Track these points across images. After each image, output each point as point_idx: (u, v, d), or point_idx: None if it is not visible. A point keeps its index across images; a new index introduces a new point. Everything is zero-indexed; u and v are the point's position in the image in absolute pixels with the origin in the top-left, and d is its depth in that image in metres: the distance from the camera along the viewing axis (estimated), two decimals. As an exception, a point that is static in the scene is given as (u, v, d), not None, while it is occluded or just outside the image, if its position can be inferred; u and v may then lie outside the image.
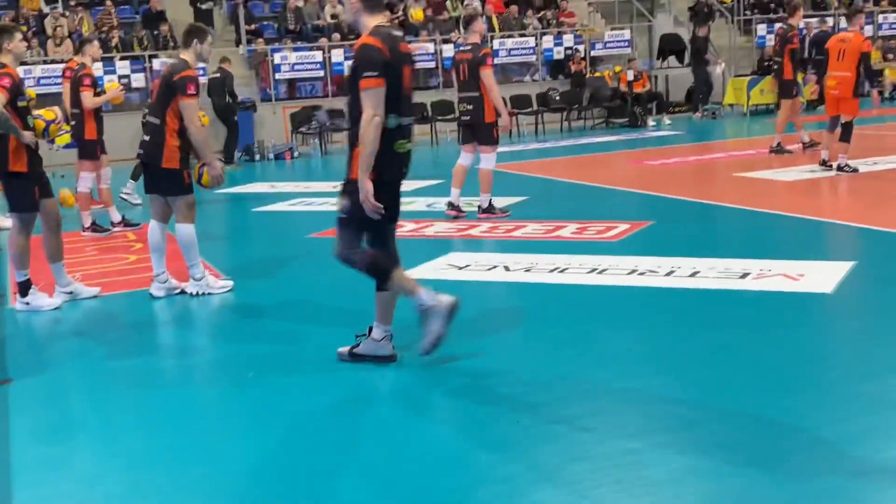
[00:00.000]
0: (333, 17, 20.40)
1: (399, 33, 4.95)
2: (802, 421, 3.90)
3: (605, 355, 4.92)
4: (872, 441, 3.67)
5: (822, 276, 6.13)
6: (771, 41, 21.43)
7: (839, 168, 10.49)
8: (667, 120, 18.65)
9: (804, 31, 19.26)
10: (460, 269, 7.07)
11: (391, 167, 4.73)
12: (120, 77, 17.30)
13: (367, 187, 4.56)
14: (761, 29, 22.12)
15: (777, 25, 21.43)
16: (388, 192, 4.75)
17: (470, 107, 9.06)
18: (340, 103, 17.98)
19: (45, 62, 17.65)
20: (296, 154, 16.49)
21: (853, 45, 10.39)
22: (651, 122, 18.35)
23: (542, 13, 21.56)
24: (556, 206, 9.86)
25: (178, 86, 6.35)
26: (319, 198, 11.29)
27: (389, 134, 4.63)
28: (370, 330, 5.00)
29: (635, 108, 18.47)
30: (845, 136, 10.49)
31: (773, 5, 22.97)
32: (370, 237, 4.85)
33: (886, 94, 18.80)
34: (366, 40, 4.64)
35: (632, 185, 10.84)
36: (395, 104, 4.63)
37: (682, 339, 5.11)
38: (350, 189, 4.68)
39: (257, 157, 16.38)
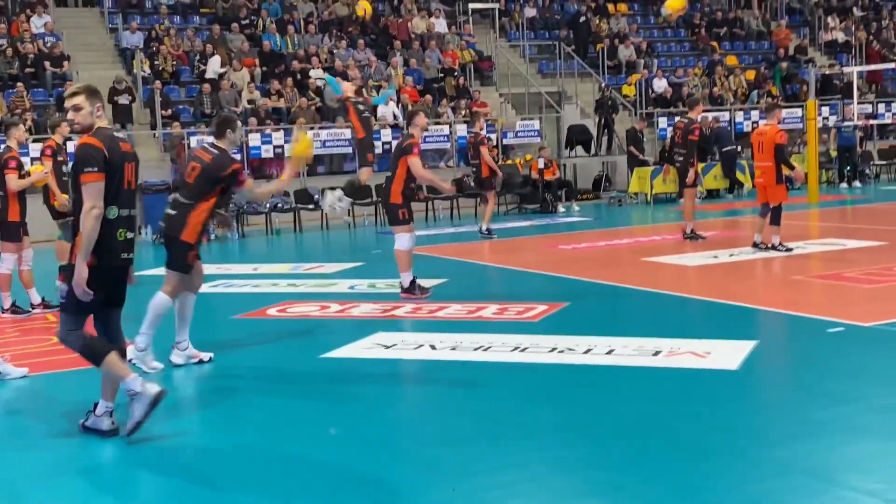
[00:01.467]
0: (250, 102, 20.73)
1: (120, 135, 5.47)
2: (717, 482, 4.26)
3: (532, 427, 5.22)
4: (781, 499, 4.04)
5: (728, 354, 6.57)
6: (671, 133, 22.62)
7: (773, 248, 11.31)
8: (576, 206, 19.34)
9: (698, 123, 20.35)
10: (387, 348, 7.33)
11: (111, 253, 5.17)
12: (33, 159, 17.23)
13: (81, 272, 5.03)
14: (662, 122, 23.21)
15: (677, 119, 22.69)
16: (110, 277, 5.22)
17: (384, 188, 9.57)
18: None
19: (-44, 142, 17.46)
20: (212, 236, 16.56)
21: (769, 137, 11.24)
22: (562, 208, 19.01)
23: (455, 102, 22.27)
24: (476, 288, 10.22)
25: (231, 179, 6.63)
26: (241, 279, 11.43)
27: (110, 223, 5.13)
28: (95, 406, 5.36)
29: (546, 195, 19.13)
30: (775, 219, 11.35)
31: (672, 99, 24.19)
32: (95, 320, 5.31)
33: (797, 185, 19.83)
34: (86, 140, 5.16)
35: (547, 268, 11.28)
36: (116, 197, 5.15)
37: (603, 412, 5.45)
38: (69, 274, 5.13)
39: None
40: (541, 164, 19.18)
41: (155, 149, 19.88)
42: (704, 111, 23.65)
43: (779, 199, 11.33)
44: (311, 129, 20.01)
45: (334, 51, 23.09)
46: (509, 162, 20.72)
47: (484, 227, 14.84)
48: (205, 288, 10.78)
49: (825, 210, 16.93)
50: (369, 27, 24.65)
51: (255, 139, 19.45)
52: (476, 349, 7.13)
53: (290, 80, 21.28)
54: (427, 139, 21.10)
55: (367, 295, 9.88)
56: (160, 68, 21.27)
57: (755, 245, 11.50)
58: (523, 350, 7.04)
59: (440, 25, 25.17)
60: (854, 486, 4.14)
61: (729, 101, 24.94)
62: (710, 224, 15.13)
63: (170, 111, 20.09)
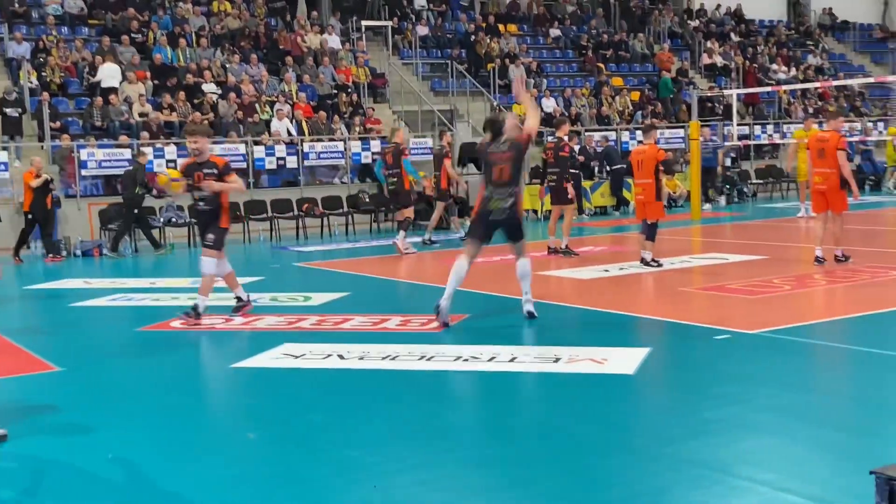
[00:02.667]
0: (142, 115, 20.46)
1: None
2: (620, 477, 4.56)
3: (445, 429, 5.44)
4: (678, 491, 4.36)
5: (624, 360, 6.93)
6: (542, 154, 23.25)
7: (645, 262, 11.68)
8: (468, 222, 19.67)
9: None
10: (296, 357, 7.45)
11: None
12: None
13: None
14: (549, 140, 23.82)
15: (547, 139, 23.37)
16: None
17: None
18: (149, 201, 17.98)
19: None
20: (105, 251, 16.30)
21: (649, 155, 11.71)
22: (455, 226, 19.32)
23: (352, 119, 22.42)
24: (378, 301, 10.41)
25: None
26: (139, 293, 11.34)
27: None
28: None
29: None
30: (650, 235, 11.76)
31: (553, 119, 24.86)
32: None
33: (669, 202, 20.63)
34: None
35: (445, 282, 11.50)
36: None
37: (511, 414, 5.72)
38: None
39: (63, 253, 16.07)
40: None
41: (43, 161, 19.39)
42: (592, 131, 24.53)
43: (657, 217, 11.80)
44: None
45: (227, 65, 22.99)
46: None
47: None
48: (103, 301, 10.80)
49: (707, 226, 17.71)
50: (262, 42, 24.62)
51: (147, 152, 19.17)
52: (384, 358, 7.32)
53: (182, 94, 21.09)
54: (321, 155, 21.22)
55: (271, 308, 9.95)
56: (48, 80, 20.81)
57: (643, 261, 11.96)
58: (430, 359, 7.26)
59: (333, 42, 25.32)
60: (748, 476, 4.48)
61: (615, 121, 25.79)
62: (600, 240, 15.69)
63: (58, 123, 19.67)
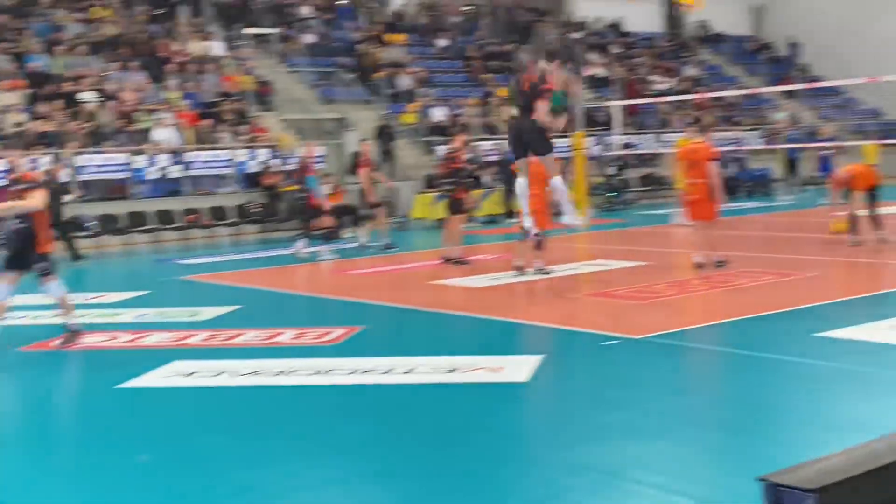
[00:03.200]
0: (17, 125, 19.76)
1: None
2: (518, 484, 4.65)
3: (344, 444, 5.44)
4: (572, 496, 4.48)
5: (518, 368, 7.05)
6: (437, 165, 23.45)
7: (538, 271, 11.86)
8: (361, 232, 19.63)
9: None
10: (187, 376, 7.31)
11: None
12: None
13: None
14: (441, 150, 24.00)
15: (444, 149, 23.55)
16: None
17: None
18: None
19: None
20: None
21: (539, 168, 11.80)
22: (348, 234, 19.26)
23: (235, 128, 22.11)
24: (271, 314, 10.30)
25: None
26: (18, 311, 10.90)
27: None
28: None
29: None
30: (539, 244, 11.94)
31: (449, 129, 25.05)
32: None
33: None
34: None
35: (340, 293, 11.51)
36: None
37: (409, 426, 5.75)
38: None
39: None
40: (326, 190, 19.33)
41: None
42: (479, 140, 24.78)
43: (542, 226, 11.86)
44: (86, 153, 19.34)
45: (105, 73, 22.39)
46: (294, 188, 20.77)
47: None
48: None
49: (593, 234, 18.10)
50: (142, 49, 24.06)
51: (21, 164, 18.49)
52: (278, 374, 7.25)
53: (60, 103, 20.44)
54: (207, 164, 20.87)
55: (159, 324, 9.74)
56: (-84, 86, 19.92)
57: (518, 269, 12.02)
58: (325, 373, 7.23)
59: (217, 49, 24.94)
60: (639, 479, 4.63)
61: (502, 131, 26.11)
62: (490, 248, 15.87)
63: (-74, 133, 18.84)
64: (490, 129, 25.98)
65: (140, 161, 20.06)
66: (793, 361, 6.99)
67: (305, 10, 28.77)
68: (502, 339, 8.48)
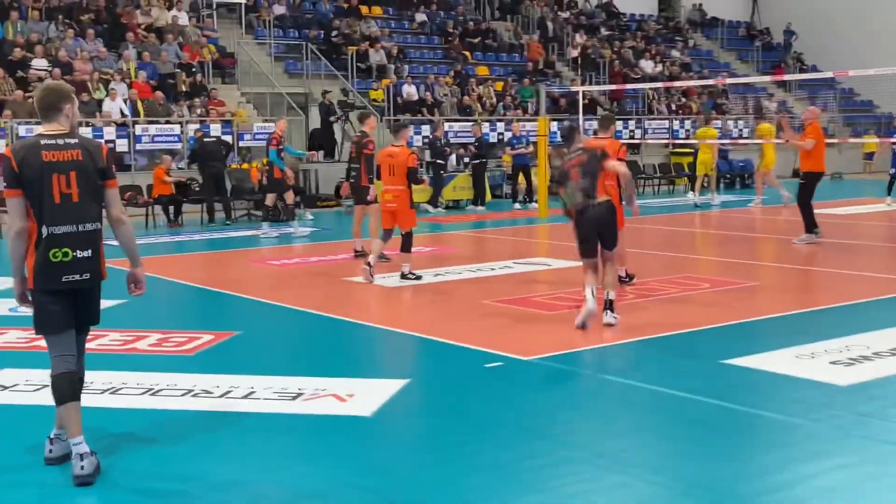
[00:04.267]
0: None
1: (59, 141, 4.76)
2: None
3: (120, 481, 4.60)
4: None
5: (369, 397, 6.18)
6: (419, 142, 22.51)
7: (403, 276, 10.77)
8: (309, 215, 18.76)
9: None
10: (5, 389, 6.48)
11: (45, 276, 4.74)
12: None
13: (16, 292, 4.86)
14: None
15: (425, 128, 22.62)
16: (54, 301, 4.80)
17: None
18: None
19: None
20: None
21: (401, 160, 10.71)
22: (308, 216, 18.40)
23: (192, 101, 21.21)
24: (151, 312, 9.43)
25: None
26: None
27: (42, 243, 4.71)
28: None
29: (278, 202, 18.45)
30: (407, 246, 10.77)
31: (422, 109, 24.12)
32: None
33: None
34: (5, 151, 4.69)
35: (240, 287, 10.65)
36: (40, 213, 4.71)
37: (198, 472, 4.90)
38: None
39: None
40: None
41: None
42: (452, 120, 23.83)
43: (410, 225, 10.84)
44: (29, 123, 18.47)
45: (60, 40, 21.46)
46: (244, 166, 19.90)
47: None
48: None
49: (551, 226, 17.19)
50: (102, 17, 23.12)
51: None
52: (103, 391, 6.40)
53: (1, 71, 19.52)
54: (155, 138, 19.99)
55: (25, 319, 8.86)
56: None
57: (368, 265, 10.71)
58: (155, 392, 6.38)
59: (182, 18, 23.98)
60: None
61: (477, 112, 25.16)
62: (439, 238, 14.96)
63: None
64: (464, 110, 25.02)
65: (85, 133, 19.17)
66: (677, 396, 6.13)
67: (279, -20, 27.76)
68: (371, 357, 7.61)
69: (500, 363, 7.02)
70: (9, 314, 9.09)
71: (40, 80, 19.90)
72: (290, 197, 16.60)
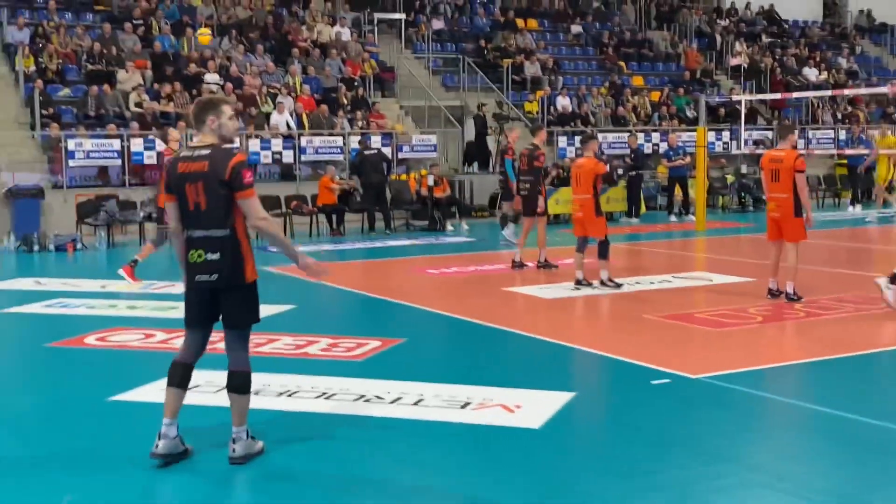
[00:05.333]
0: (138, 105, 20.00)
1: (192, 153, 5.14)
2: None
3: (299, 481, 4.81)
4: None
5: (537, 409, 6.22)
6: (571, 153, 22.47)
7: (602, 283, 10.88)
8: (465, 225, 19.01)
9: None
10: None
11: (187, 276, 5.20)
12: None
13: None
14: (562, 141, 23.09)
15: (578, 139, 22.53)
16: (190, 299, 5.29)
17: None
18: (136, 194, 17.52)
19: None
20: (79, 246, 15.83)
21: (587, 169, 10.83)
22: (450, 227, 18.67)
23: (353, 114, 21.79)
24: (318, 318, 9.78)
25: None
26: (81, 298, 10.79)
27: (186, 244, 5.16)
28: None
29: (435, 213, 18.77)
30: (603, 254, 10.87)
31: (575, 120, 24.04)
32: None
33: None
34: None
35: (402, 295, 10.89)
36: (182, 218, 5.15)
37: (370, 475, 5.05)
38: None
39: (36, 247, 15.62)
40: (430, 181, 18.79)
41: (32, 150, 19.05)
42: (605, 132, 23.65)
43: (601, 233, 10.89)
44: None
45: (231, 55, 22.47)
46: (403, 178, 20.33)
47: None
48: (36, 308, 10.28)
49: (709, 239, 16.86)
50: (270, 33, 24.07)
51: (137, 144, 18.74)
52: (280, 394, 6.68)
53: (178, 85, 20.56)
54: (319, 150, 20.63)
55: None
56: (44, 66, 20.42)
57: (578, 283, 10.93)
58: (329, 397, 6.61)
59: (344, 34, 24.69)
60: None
61: (631, 123, 24.91)
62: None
63: (51, 110, 19.26)
64: (618, 121, 24.80)
65: (254, 145, 20.00)
66: (857, 421, 5.91)
67: (438, -5, 28.24)
68: (538, 368, 7.61)
69: (666, 380, 6.93)
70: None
71: (211, 93, 20.93)
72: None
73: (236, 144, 17.67)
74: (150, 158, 18.84)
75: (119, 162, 18.70)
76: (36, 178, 17.76)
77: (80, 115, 19.61)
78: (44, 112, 18.96)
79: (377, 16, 26.11)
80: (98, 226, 16.44)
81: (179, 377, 5.34)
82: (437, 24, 26.89)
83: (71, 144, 18.22)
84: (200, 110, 5.24)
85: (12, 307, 10.33)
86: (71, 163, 18.27)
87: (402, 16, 26.23)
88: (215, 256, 5.08)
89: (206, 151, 5.10)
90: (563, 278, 11.69)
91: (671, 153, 20.68)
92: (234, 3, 24.72)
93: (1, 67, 20.82)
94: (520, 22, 28.11)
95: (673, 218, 20.05)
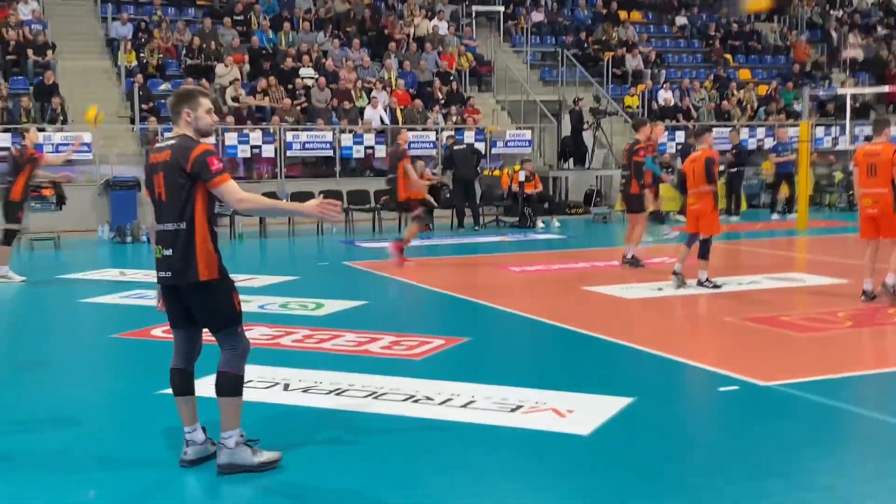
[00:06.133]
0: (234, 99, 20.27)
1: (162, 144, 4.92)
2: None
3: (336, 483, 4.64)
4: None
5: (590, 414, 5.92)
6: (672, 148, 21.83)
7: (699, 283, 10.46)
8: (556, 222, 18.65)
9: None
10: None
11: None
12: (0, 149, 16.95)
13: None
14: (662, 136, 22.43)
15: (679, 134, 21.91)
16: (165, 296, 5.06)
17: None
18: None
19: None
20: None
21: (700, 164, 10.45)
22: (541, 224, 18.34)
23: (448, 109, 21.64)
24: (386, 315, 9.63)
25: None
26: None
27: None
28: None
29: (526, 209, 18.48)
30: (703, 253, 10.47)
31: (677, 115, 23.38)
32: None
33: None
34: None
35: (478, 293, 10.65)
36: (155, 211, 4.94)
37: (411, 479, 4.85)
38: None
39: (129, 238, 15.96)
40: (521, 177, 18.49)
41: (132, 143, 19.52)
42: (712, 126, 22.89)
43: (711, 231, 10.46)
44: (295, 129, 19.56)
45: (327, 49, 22.59)
46: (496, 173, 20.08)
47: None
48: (115, 298, 10.43)
49: (810, 238, 16.11)
50: (367, 26, 24.11)
51: (231, 138, 19.00)
52: (329, 392, 6.54)
53: (273, 79, 20.76)
54: (411, 145, 20.52)
55: (271, 316, 9.31)
56: (145, 61, 20.89)
57: (675, 274, 10.58)
58: (378, 396, 6.43)
59: (442, 28, 24.56)
60: None
61: (736, 117, 24.10)
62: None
63: (151, 104, 19.69)
64: (723, 115, 24.02)
65: (346, 140, 20.05)
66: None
67: (538, -13, 27.85)
68: (603, 369, 7.29)
69: (735, 387, 6.52)
70: (258, 311, 9.58)
71: (306, 88, 21.08)
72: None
73: (85, 139, 17.72)
74: (244, 152, 19.09)
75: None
76: (134, 171, 18.16)
77: (179, 109, 19.94)
78: (143, 106, 19.39)
79: (475, 8, 25.90)
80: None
81: (178, 385, 5.09)
82: (537, 16, 26.53)
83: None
84: (177, 102, 4.98)
85: (92, 297, 10.52)
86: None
87: (501, 8, 25.96)
88: (169, 252, 4.83)
89: (172, 142, 4.85)
90: (648, 278, 11.27)
91: (780, 148, 19.82)
92: (333, -2, 24.83)
93: (104, 62, 21.40)
94: (622, 14, 27.52)
95: (775, 216, 19.26)
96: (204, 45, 21.32)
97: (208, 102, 4.99)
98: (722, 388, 6.51)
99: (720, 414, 6.09)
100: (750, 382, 6.60)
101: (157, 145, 4.97)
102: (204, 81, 19.99)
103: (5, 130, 17.65)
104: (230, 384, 4.93)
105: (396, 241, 12.83)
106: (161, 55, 21.16)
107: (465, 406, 6.17)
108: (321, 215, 4.86)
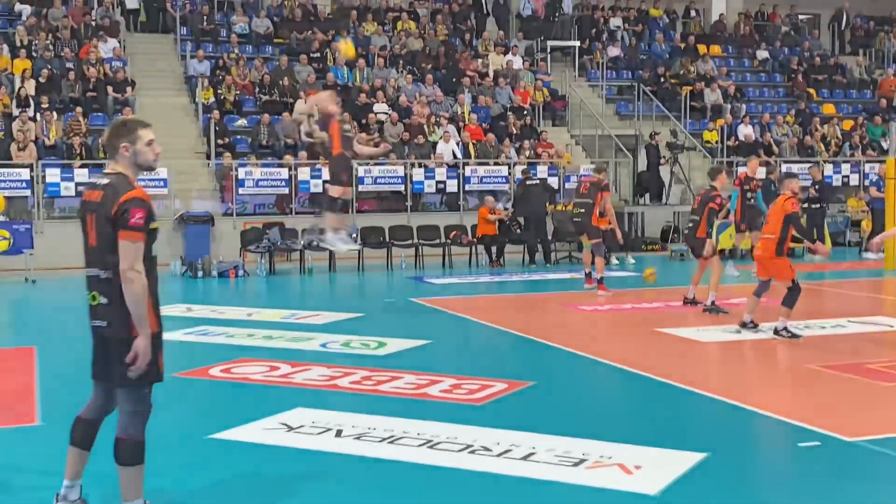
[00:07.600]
0: (308, 135, 20.26)
1: (98, 181, 4.53)
2: None
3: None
4: None
5: (658, 471, 5.53)
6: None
7: (776, 332, 9.85)
8: (630, 259, 18.17)
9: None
10: (290, 430, 6.51)
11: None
12: (78, 185, 17.21)
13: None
14: (741, 170, 21.79)
15: (739, 169, 21.21)
16: (93, 344, 4.64)
17: None
18: (303, 222, 17.69)
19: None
20: (241, 272, 16.09)
21: (777, 206, 9.92)
22: (615, 261, 17.86)
23: (521, 143, 21.38)
24: (448, 356, 9.34)
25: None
26: (223, 326, 10.81)
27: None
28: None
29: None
30: (788, 300, 9.68)
31: (758, 150, 22.71)
32: None
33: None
34: None
35: (546, 334, 10.28)
36: (84, 252, 4.55)
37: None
38: None
39: (200, 273, 15.99)
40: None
41: (207, 179, 19.69)
42: (790, 162, 22.22)
43: (783, 276, 9.74)
44: (367, 164, 19.48)
45: (401, 85, 22.56)
46: (569, 208, 19.67)
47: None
48: (177, 335, 10.29)
49: (898, 280, 15.38)
50: (441, 62, 24.04)
51: (304, 173, 19.01)
52: (382, 440, 6.25)
53: (347, 115, 20.74)
54: (483, 180, 20.33)
55: (331, 356, 9.10)
56: (223, 97, 21.09)
57: (744, 325, 10.03)
58: (433, 445, 6.12)
59: (516, 63, 24.37)
60: None
61: (819, 153, 23.35)
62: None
63: (227, 140, 19.84)
64: (806, 150, 23.30)
65: (418, 174, 19.92)
66: None
67: (614, 23, 27.49)
68: (675, 421, 6.87)
69: (816, 442, 6.06)
70: (319, 349, 9.38)
71: (379, 122, 21.04)
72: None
73: (161, 175, 17.58)
74: (315, 187, 19.05)
75: (286, 190, 19.03)
76: (207, 206, 18.27)
77: (254, 145, 20.10)
78: (219, 141, 19.55)
79: (550, 44, 25.67)
80: (260, 253, 16.69)
81: (80, 435, 4.68)
82: (613, 51, 26.17)
83: (241, 173, 18.67)
84: (112, 135, 4.53)
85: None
86: (241, 191, 18.72)
87: (577, 43, 25.67)
88: (104, 301, 4.41)
89: (107, 181, 4.45)
90: (727, 321, 10.76)
91: (882, 182, 18.89)
92: (408, 35, 24.84)
93: (182, 98, 21.68)
94: (701, 48, 26.99)
95: (870, 255, 18.38)
96: (280, 82, 21.45)
97: (149, 133, 4.53)
98: (802, 444, 6.05)
99: (800, 473, 5.64)
100: (833, 437, 6.14)
101: (94, 181, 4.58)
102: (285, 115, 20.02)
103: (82, 166, 17.89)
104: (130, 452, 4.51)
105: (599, 284, 13.35)
106: (238, 92, 21.35)
107: (524, 458, 5.83)
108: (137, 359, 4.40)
